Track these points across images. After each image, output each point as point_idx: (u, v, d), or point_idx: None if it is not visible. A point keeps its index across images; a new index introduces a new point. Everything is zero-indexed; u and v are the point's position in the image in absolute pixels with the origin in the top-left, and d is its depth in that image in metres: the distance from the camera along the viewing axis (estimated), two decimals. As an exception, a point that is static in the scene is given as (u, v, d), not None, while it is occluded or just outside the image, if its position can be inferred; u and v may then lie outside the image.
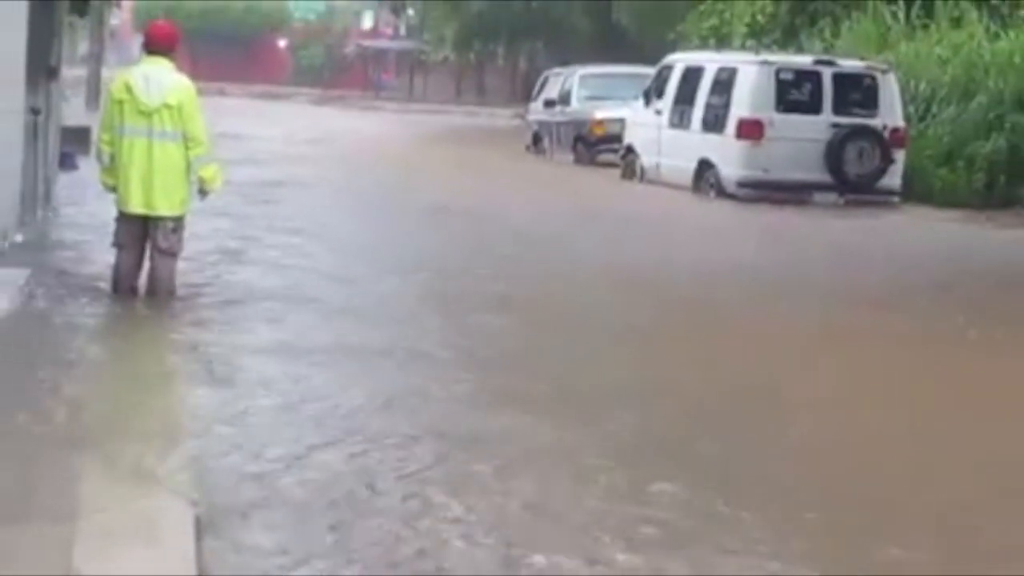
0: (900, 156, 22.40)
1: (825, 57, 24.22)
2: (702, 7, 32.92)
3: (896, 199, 22.40)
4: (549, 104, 31.76)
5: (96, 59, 26.57)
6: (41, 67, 16.50)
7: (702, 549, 6.16)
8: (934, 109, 23.97)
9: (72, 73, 23.93)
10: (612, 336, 12.00)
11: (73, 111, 21.98)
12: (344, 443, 7.99)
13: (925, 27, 27.10)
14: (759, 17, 30.33)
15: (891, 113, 22.53)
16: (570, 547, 6.21)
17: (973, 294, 15.02)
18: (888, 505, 7.40)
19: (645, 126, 25.28)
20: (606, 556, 6.13)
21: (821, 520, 7.04)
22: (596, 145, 28.40)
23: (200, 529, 6.20)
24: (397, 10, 48.15)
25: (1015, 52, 24.60)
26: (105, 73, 23.13)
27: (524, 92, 35.82)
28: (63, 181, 18.29)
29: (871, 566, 6.25)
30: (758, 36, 29.59)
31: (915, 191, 22.64)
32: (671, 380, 10.44)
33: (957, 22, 26.54)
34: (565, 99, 30.94)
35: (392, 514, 6.72)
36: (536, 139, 31.99)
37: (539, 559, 6.02)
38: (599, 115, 28.77)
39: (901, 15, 27.67)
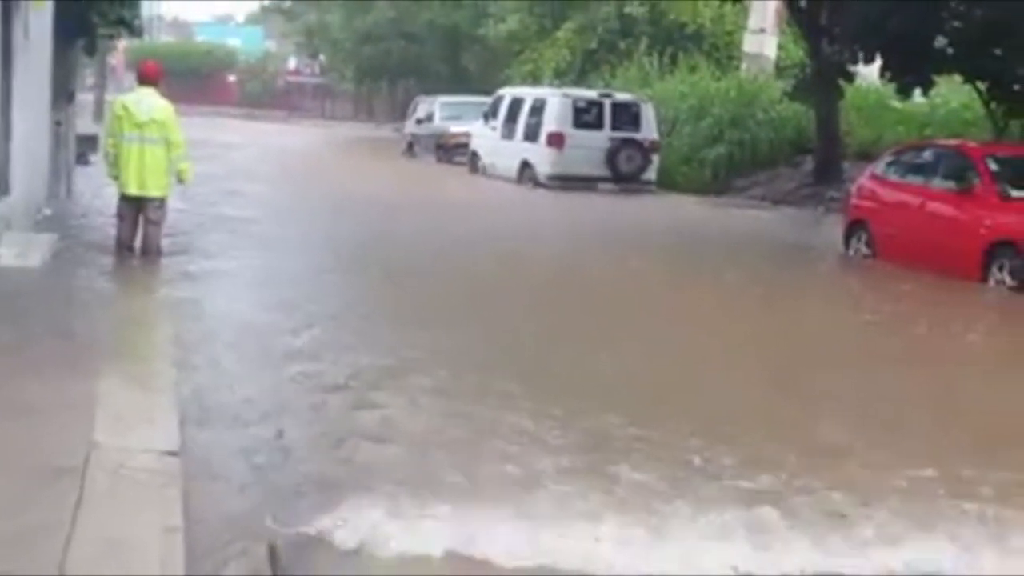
0: (655, 159, 25.21)
1: (605, 91, 27.00)
2: (522, 57, 35.50)
3: (653, 187, 25.13)
4: (419, 122, 34.21)
5: (100, 87, 28.00)
6: (62, 93, 18.13)
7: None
8: (677, 127, 26.60)
9: (83, 97, 24.09)
10: (467, 265, 14.38)
11: (84, 123, 23.12)
12: (268, 313, 10.13)
13: (671, 72, 30.00)
14: (561, 64, 33.40)
15: (649, 129, 25.33)
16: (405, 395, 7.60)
17: (702, 244, 17.79)
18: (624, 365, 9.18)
19: (485, 137, 28.01)
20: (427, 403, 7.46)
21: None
22: (451, 150, 30.53)
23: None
24: (313, 56, 51.49)
25: (730, 89, 27.28)
26: (106, 97, 24.10)
27: (401, 113, 37.36)
28: (79, 173, 19.41)
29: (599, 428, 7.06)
30: (560, 77, 32.06)
31: (665, 182, 25.28)
32: (508, 297, 12.39)
33: (692, 69, 29.59)
34: (430, 118, 33.42)
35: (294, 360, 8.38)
36: (410, 146, 34.25)
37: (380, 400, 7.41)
38: (453, 129, 30.97)
39: (656, 64, 30.58)
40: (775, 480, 6.37)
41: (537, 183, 25.10)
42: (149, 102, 11.94)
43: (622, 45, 32.29)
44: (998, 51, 19.30)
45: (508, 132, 26.76)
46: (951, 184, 15.06)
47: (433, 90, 36.42)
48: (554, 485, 6.08)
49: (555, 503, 5.81)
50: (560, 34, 34.07)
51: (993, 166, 14.88)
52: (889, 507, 6.02)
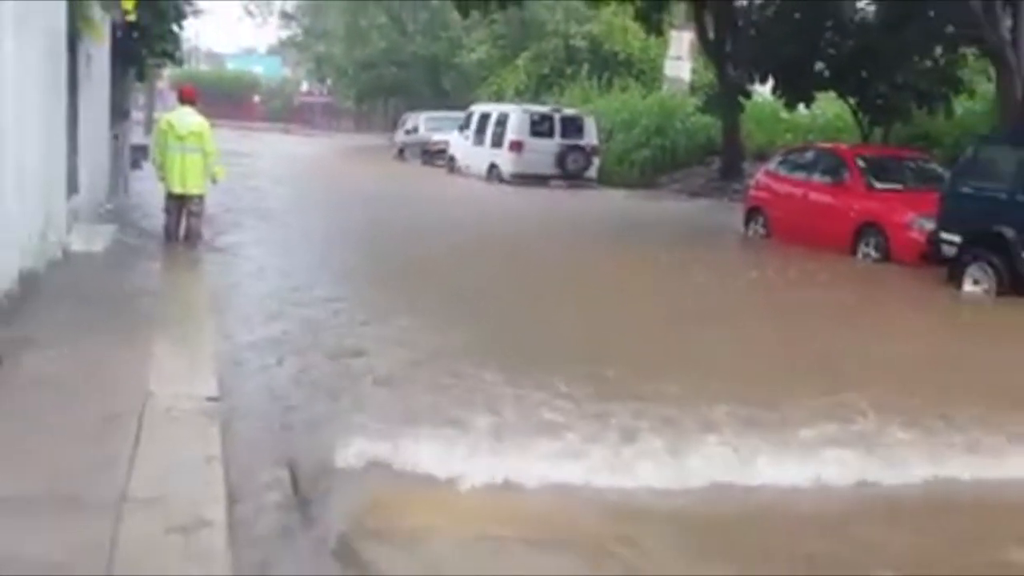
0: (596, 160, 25.33)
1: (555, 107, 26.90)
2: (489, 80, 35.26)
3: (594, 183, 25.07)
4: (408, 132, 33.92)
5: (149, 106, 27.62)
6: (118, 111, 17.99)
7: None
8: (613, 135, 26.50)
9: (135, 114, 24.37)
10: (444, 238, 14.84)
11: (137, 136, 22.77)
12: (283, 279, 10.49)
13: (608, 91, 29.94)
14: (520, 85, 33.11)
15: (590, 137, 25.39)
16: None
17: (632, 226, 17.75)
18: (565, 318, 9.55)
19: (460, 144, 27.78)
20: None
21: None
22: (434, 155, 30.17)
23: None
24: (321, 80, 51.04)
25: (654, 105, 27.21)
26: (154, 115, 23.64)
27: (392, 126, 37.00)
28: (133, 176, 19.23)
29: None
30: (519, 96, 31.85)
31: (604, 179, 25.23)
32: (474, 262, 12.65)
33: (624, 89, 29.75)
34: (416, 130, 33.34)
35: (306, 307, 8.91)
36: (400, 151, 33.81)
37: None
38: (435, 138, 30.75)
39: (595, 85, 30.48)
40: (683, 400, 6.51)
41: (502, 180, 25.08)
42: (188, 119, 11.86)
43: (568, 70, 32.23)
44: (864, 73, 19.52)
45: (479, 140, 26.72)
46: (828, 178, 15.15)
47: (418, 107, 36.07)
48: (489, 399, 6.22)
49: (496, 411, 5.99)
50: (519, 62, 33.98)
51: (861, 164, 14.97)
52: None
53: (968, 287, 11.41)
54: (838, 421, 6.23)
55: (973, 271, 11.43)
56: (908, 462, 5.67)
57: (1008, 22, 15.06)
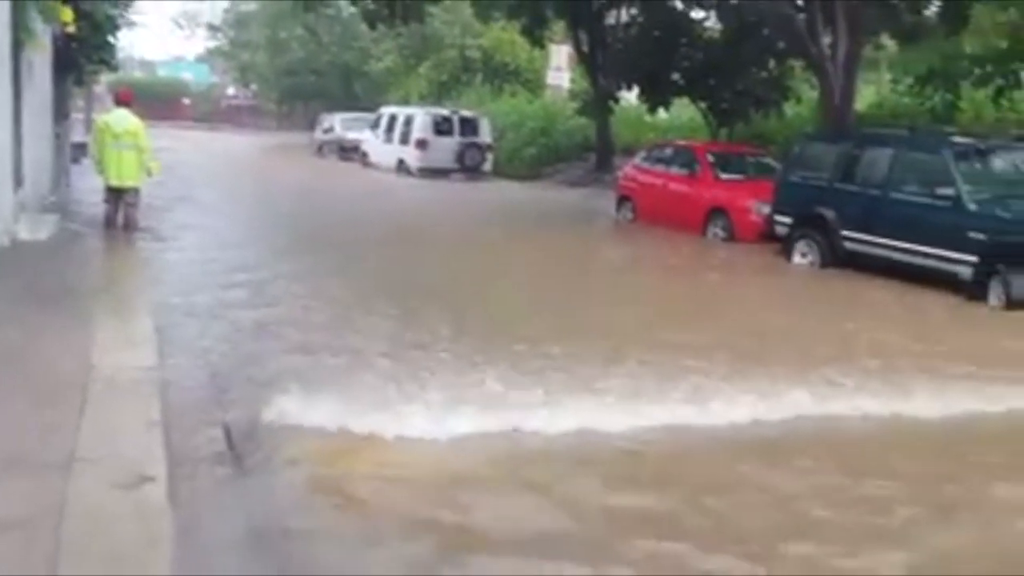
0: (490, 156, 24.94)
1: (454, 110, 26.10)
2: (395, 85, 34.73)
3: (489, 175, 24.58)
4: (325, 131, 32.31)
5: (87, 108, 25.97)
6: (60, 112, 17.56)
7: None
8: (504, 134, 25.87)
9: (75, 115, 23.33)
10: (360, 219, 14.96)
11: (77, 134, 21.26)
12: (213, 254, 10.48)
13: (499, 96, 29.64)
14: (423, 91, 32.46)
15: (485, 136, 25.06)
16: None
17: (521, 210, 17.85)
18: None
19: (372, 141, 27.08)
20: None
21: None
22: (348, 151, 29.13)
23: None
24: (246, 86, 49.41)
25: (539, 108, 27.07)
26: (92, 116, 21.99)
27: (310, 126, 35.70)
28: (73, 170, 18.36)
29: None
30: (423, 100, 31.03)
31: (497, 172, 24.79)
32: (383, 238, 12.84)
33: (513, 95, 29.52)
34: (332, 129, 31.90)
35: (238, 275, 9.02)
36: (319, 148, 32.34)
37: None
38: (350, 136, 29.80)
39: (488, 91, 30.18)
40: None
41: (409, 173, 24.73)
42: (124, 119, 11.45)
43: (464, 78, 31.85)
44: (711, 82, 19.80)
45: (388, 138, 26.24)
46: (683, 170, 15.20)
47: (334, 109, 35.11)
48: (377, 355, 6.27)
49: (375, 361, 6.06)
50: (421, 70, 33.54)
51: (710, 158, 15.11)
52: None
53: (797, 259, 11.70)
54: (704, 360, 6.51)
55: (801, 246, 11.73)
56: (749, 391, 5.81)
57: (827, 39, 15.47)
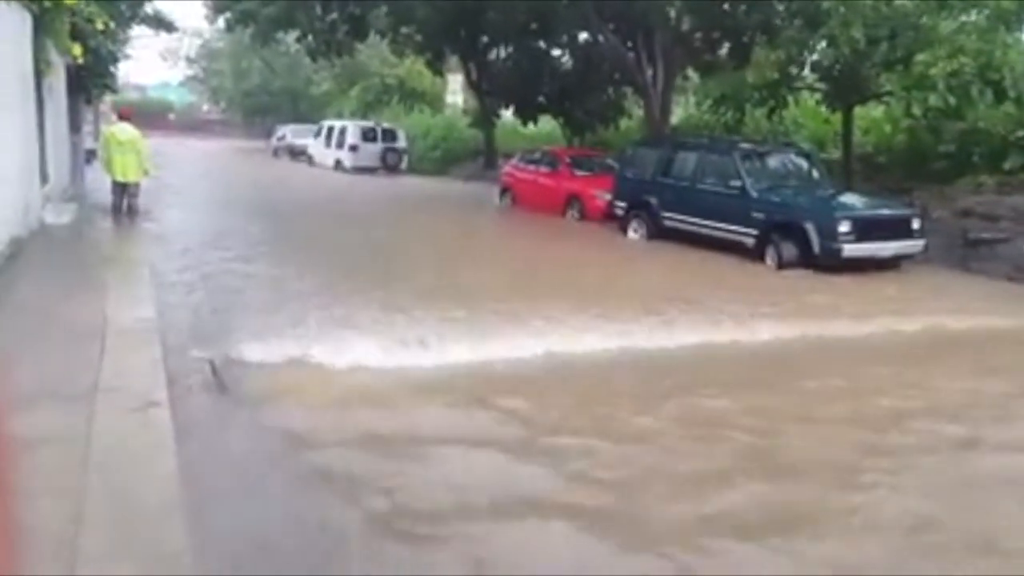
0: (405, 158, 23.90)
1: (378, 123, 25.08)
2: (332, 104, 33.52)
3: (406, 173, 23.42)
4: (279, 139, 31.07)
5: (96, 121, 24.71)
6: (74, 125, 16.74)
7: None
8: (416, 141, 24.77)
9: (86, 127, 20.78)
10: (304, 204, 14.69)
11: (88, 143, 19.29)
12: (205, 231, 10.19)
13: (411, 113, 28.42)
14: (353, 109, 30.99)
15: (402, 142, 24.11)
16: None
17: (428, 198, 17.15)
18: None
19: (316, 146, 25.81)
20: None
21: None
22: (298, 154, 27.93)
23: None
24: (217, 104, 46.75)
25: (441, 122, 25.70)
26: (100, 128, 21.13)
27: (268, 135, 34.18)
28: (87, 170, 17.15)
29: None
30: (353, 115, 29.76)
31: (412, 170, 23.57)
32: (321, 217, 12.73)
33: (421, 111, 28.25)
34: (285, 137, 30.58)
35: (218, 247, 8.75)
36: (275, 152, 30.63)
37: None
38: (298, 142, 28.58)
39: (403, 109, 29.03)
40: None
41: (345, 170, 23.53)
42: (125, 130, 10.93)
43: (384, 99, 30.66)
44: (566, 103, 19.64)
45: (328, 144, 25.04)
46: (549, 168, 14.98)
47: (285, 121, 33.84)
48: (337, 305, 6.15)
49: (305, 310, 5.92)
50: (352, 92, 32.11)
51: (567, 159, 14.98)
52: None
53: (631, 234, 11.62)
54: (557, 301, 6.49)
55: (634, 224, 11.67)
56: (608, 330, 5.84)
57: (650, 71, 15.67)
